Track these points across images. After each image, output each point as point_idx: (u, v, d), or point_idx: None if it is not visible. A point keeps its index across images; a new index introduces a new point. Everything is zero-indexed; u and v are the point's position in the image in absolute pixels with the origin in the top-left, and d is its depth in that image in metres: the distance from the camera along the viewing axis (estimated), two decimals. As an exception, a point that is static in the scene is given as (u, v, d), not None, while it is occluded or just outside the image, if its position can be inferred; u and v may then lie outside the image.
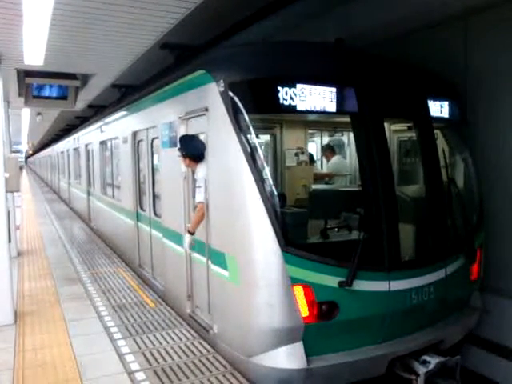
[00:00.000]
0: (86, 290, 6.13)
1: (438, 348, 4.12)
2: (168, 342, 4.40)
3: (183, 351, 4.20)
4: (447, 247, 4.34)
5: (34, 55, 5.66)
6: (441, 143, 4.82)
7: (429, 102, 4.48)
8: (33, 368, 3.90)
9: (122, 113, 7.78)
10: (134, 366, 3.89)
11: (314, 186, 5.44)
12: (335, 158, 6.09)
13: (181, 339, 4.48)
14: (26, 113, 13.18)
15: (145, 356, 4.09)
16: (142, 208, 6.77)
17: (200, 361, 4.00)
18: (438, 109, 4.58)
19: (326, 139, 6.56)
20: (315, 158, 7.06)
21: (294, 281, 3.51)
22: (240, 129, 3.63)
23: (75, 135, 14.40)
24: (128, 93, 9.45)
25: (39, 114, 13.07)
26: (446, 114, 4.65)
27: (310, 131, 6.14)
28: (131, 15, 4.44)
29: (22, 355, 4.15)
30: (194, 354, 4.15)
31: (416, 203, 4.66)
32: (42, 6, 3.89)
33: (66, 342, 4.43)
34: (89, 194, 11.76)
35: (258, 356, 3.65)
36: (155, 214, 6.10)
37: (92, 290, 6.16)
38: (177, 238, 5.05)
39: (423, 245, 4.46)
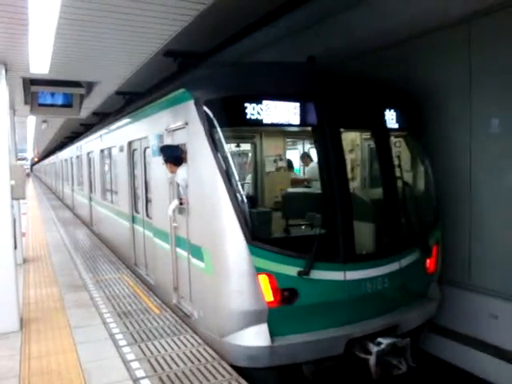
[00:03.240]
0: (91, 297, 6.13)
1: (395, 332, 4.58)
2: (173, 349, 4.39)
3: (188, 358, 4.19)
4: (401, 243, 4.83)
5: (40, 64, 5.71)
6: (398, 149, 5.39)
7: (385, 113, 5.01)
8: (38, 375, 3.91)
9: (119, 123, 8.38)
10: (140, 373, 3.89)
11: (291, 190, 5.86)
12: (312, 164, 6.43)
13: (186, 346, 4.47)
14: (32, 120, 13.27)
15: (150, 363, 4.09)
16: (136, 211, 7.29)
17: (205, 367, 3.99)
18: (395, 119, 5.10)
19: (307, 147, 7.01)
20: (299, 164, 7.53)
21: (259, 270, 4.06)
22: (213, 140, 4.24)
23: (78, 144, 15.04)
24: (126, 104, 10.11)
25: (44, 121, 13.17)
26: (402, 123, 5.16)
27: (288, 140, 6.79)
28: (136, 23, 4.47)
29: (27, 362, 4.16)
30: (200, 360, 4.14)
31: (373, 203, 5.27)
32: (48, 15, 3.92)
33: (71, 348, 4.44)
34: (90, 199, 12.23)
35: (230, 336, 4.19)
36: (148, 216, 6.61)
37: (97, 296, 6.17)
38: (165, 237, 5.58)
39: (378, 240, 4.94)
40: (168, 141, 5.30)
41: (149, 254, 6.56)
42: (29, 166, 58.08)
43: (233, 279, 4.12)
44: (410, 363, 4.37)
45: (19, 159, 14.37)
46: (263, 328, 4.10)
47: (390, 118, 5.08)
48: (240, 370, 4.02)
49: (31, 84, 7.41)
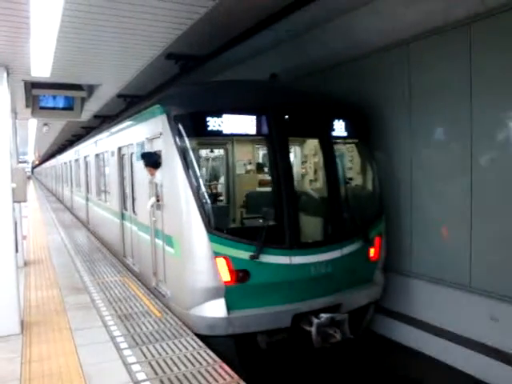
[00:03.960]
0: (92, 300, 6.13)
1: (338, 310, 5.31)
2: (174, 352, 4.39)
3: (189, 361, 4.18)
4: (342, 233, 5.52)
5: (41, 67, 5.73)
6: (345, 154, 6.41)
7: (330, 123, 5.80)
8: (39, 378, 3.90)
9: (111, 131, 9.27)
10: (141, 376, 3.89)
11: (253, 190, 6.76)
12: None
13: (187, 349, 4.47)
14: (33, 123, 13.29)
15: (151, 366, 4.09)
16: (125, 209, 8.10)
17: (206, 370, 3.99)
18: (342, 128, 5.91)
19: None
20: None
21: (217, 254, 4.84)
22: (180, 148, 5.06)
23: (76, 148, 16.07)
24: (117, 115, 11.46)
25: (46, 124, 13.19)
26: (348, 131, 5.97)
27: (257, 146, 7.57)
28: (137, 27, 4.49)
29: (28, 365, 4.16)
30: (201, 363, 4.13)
31: (318, 200, 6.06)
32: (50, 18, 3.94)
33: (72, 351, 4.44)
34: (87, 199, 13.09)
35: (193, 309, 4.99)
36: (134, 212, 7.44)
37: (98, 299, 6.17)
38: (147, 230, 6.41)
39: (321, 231, 5.73)
40: (148, 148, 6.16)
41: (135, 245, 7.39)
42: (30, 169, 58.14)
43: (195, 261, 4.93)
44: (348, 335, 5.15)
45: (20, 162, 14.39)
46: (221, 302, 4.88)
47: (336, 127, 5.88)
48: (203, 339, 4.71)
49: (32, 87, 7.45)
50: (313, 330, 4.96)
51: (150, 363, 4.14)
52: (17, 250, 5.32)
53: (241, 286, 4.91)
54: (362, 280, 5.86)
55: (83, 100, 8.11)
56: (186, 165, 5.02)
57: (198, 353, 4.36)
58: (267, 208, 5.27)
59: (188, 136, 5.10)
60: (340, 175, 5.91)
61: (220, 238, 4.88)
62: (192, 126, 5.18)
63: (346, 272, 5.50)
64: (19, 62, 5.41)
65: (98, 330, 4.99)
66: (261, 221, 5.32)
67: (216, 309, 4.87)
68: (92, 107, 10.00)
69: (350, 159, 6.50)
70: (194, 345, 4.56)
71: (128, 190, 7.76)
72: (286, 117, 5.42)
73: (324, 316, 5.05)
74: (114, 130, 8.95)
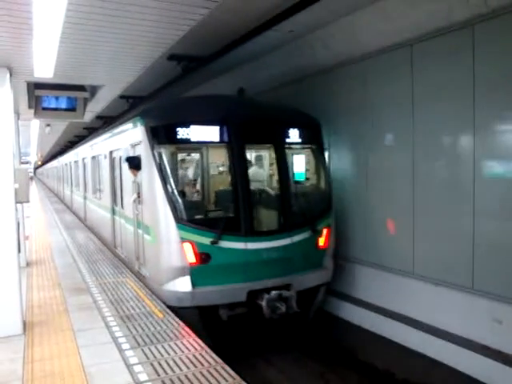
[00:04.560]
0: (94, 300, 6.14)
1: (289, 289, 6.19)
2: (176, 353, 4.39)
3: (191, 362, 4.18)
4: (292, 224, 6.37)
5: (44, 68, 5.74)
6: (298, 158, 7.44)
7: (285, 131, 6.69)
8: (41, 378, 3.91)
9: (104, 136, 10.24)
10: (143, 377, 3.89)
11: (221, 188, 7.40)
12: (254, 168, 7.63)
13: (189, 350, 4.47)
14: (36, 124, 13.32)
15: (153, 366, 4.09)
16: (115, 205, 9.07)
17: (208, 371, 3.98)
18: (296, 135, 6.81)
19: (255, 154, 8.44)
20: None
21: (184, 239, 5.77)
22: (155, 153, 6.06)
23: (75, 150, 17.13)
24: (111, 121, 12.94)
25: (48, 125, 13.22)
26: (303, 138, 6.88)
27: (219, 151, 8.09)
28: (140, 28, 4.50)
29: (30, 366, 4.16)
30: (203, 364, 4.13)
31: (271, 196, 6.95)
32: (53, 20, 3.95)
33: (74, 352, 4.44)
34: (85, 198, 14.09)
35: (165, 285, 5.98)
36: (122, 207, 8.35)
37: (100, 300, 6.17)
38: (131, 222, 7.42)
39: (273, 221, 6.56)
40: (131, 153, 7.13)
41: (123, 236, 8.41)
42: (32, 170, 58.25)
43: (166, 246, 5.91)
44: (294, 309, 6.13)
45: (22, 163, 14.44)
46: (187, 279, 5.82)
47: (290, 135, 6.76)
48: (173, 310, 5.69)
49: (35, 88, 7.46)
50: (263, 303, 5.96)
51: (151, 364, 4.14)
52: (19, 251, 5.32)
53: (203, 267, 5.84)
54: (311, 265, 6.68)
55: (86, 101, 8.11)
56: (160, 167, 6.04)
57: (200, 354, 4.36)
58: (226, 202, 6.46)
59: (161, 143, 6.16)
60: (291, 176, 6.95)
61: (186, 226, 5.84)
62: (164, 135, 6.22)
63: (295, 257, 6.35)
64: (22, 62, 5.42)
65: (100, 331, 5.00)
66: (220, 213, 6.62)
67: (183, 284, 5.83)
68: (94, 108, 10.02)
69: (305, 162, 7.55)
70: (196, 346, 4.56)
71: (117, 188, 8.71)
72: (243, 127, 6.33)
73: (273, 292, 6.00)
74: (106, 135, 9.91)
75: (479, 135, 5.11)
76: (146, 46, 5.15)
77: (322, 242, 6.73)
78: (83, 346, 4.57)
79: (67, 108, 7.95)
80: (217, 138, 6.21)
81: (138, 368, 4.05)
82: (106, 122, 13.84)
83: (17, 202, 5.12)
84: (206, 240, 5.81)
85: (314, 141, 7.14)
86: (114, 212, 9.19)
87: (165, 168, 6.06)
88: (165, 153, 6.19)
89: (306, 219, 6.64)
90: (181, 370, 4.02)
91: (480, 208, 5.14)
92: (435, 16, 5.29)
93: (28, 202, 5.76)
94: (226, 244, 5.88)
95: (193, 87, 10.32)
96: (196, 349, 4.49)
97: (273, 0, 5.43)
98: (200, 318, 5.91)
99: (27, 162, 39.91)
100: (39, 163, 54.09)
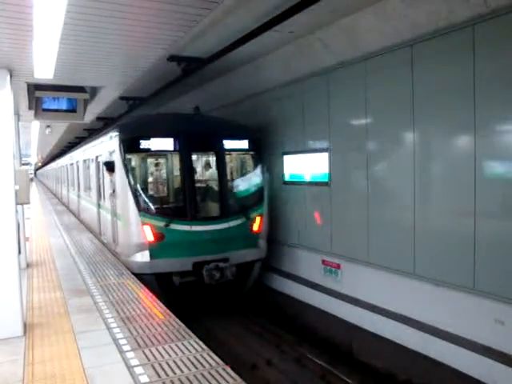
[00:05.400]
0: (94, 302, 6.12)
1: (226, 262, 7.96)
2: (177, 354, 4.38)
3: (192, 363, 4.17)
4: (229, 213, 8.23)
5: (44, 69, 5.74)
6: (237, 161, 9.41)
7: (227, 141, 8.54)
8: (42, 380, 3.89)
9: (92, 144, 12.23)
10: (144, 379, 3.87)
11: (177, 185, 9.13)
12: (211, 170, 9.38)
13: (190, 351, 4.45)
14: (36, 125, 13.32)
15: (154, 368, 4.07)
16: (100, 199, 10.90)
17: (209, 373, 3.97)
18: (235, 144, 8.69)
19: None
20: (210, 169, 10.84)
21: (144, 223, 7.64)
22: (125, 159, 7.96)
23: (71, 154, 19.37)
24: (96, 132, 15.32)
25: (48, 126, 13.22)
26: (241, 146, 8.78)
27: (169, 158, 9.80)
28: (140, 29, 4.50)
29: (31, 367, 4.15)
30: (204, 366, 4.12)
31: (213, 190, 8.73)
32: (53, 20, 3.95)
33: (74, 354, 4.43)
34: (78, 196, 15.95)
35: (131, 257, 7.87)
36: (104, 201, 10.24)
37: (101, 301, 6.16)
38: (110, 212, 9.44)
39: (213, 210, 8.50)
40: (109, 158, 8.88)
41: (105, 225, 10.28)
42: (33, 171, 58.26)
43: (131, 228, 7.86)
44: (229, 278, 7.95)
45: (23, 164, 14.47)
46: (146, 253, 7.69)
47: (231, 144, 8.61)
48: (137, 276, 7.44)
49: (35, 89, 7.45)
50: (204, 272, 7.77)
51: (152, 366, 4.13)
52: (19, 252, 5.31)
53: (159, 244, 7.69)
54: (246, 244, 8.41)
55: (86, 102, 8.11)
56: (128, 170, 7.94)
57: (201, 355, 4.35)
58: (177, 196, 8.71)
59: (129, 152, 8.09)
60: (228, 176, 8.79)
61: (146, 214, 7.75)
62: (132, 145, 8.02)
63: (231, 238, 8.12)
64: (22, 64, 5.42)
65: (100, 333, 4.98)
66: (172, 204, 8.72)
67: (143, 257, 7.72)
68: (95, 109, 10.03)
69: (244, 165, 9.44)
70: (197, 347, 4.54)
71: (101, 186, 10.56)
72: (190, 139, 8.14)
73: (212, 264, 7.80)
74: (94, 143, 11.69)
75: (479, 135, 5.10)
76: (146, 46, 5.15)
77: (255, 227, 8.50)
78: (84, 348, 4.56)
79: (67, 109, 7.95)
80: (171, 148, 8.09)
81: (138, 370, 4.04)
82: (107, 123, 13.87)
83: (17, 204, 5.11)
84: (161, 224, 7.68)
85: (251, 148, 8.89)
86: (99, 206, 11.03)
87: (131, 170, 8.08)
88: (132, 159, 8.25)
89: (241, 209, 8.41)
90: (182, 371, 4.01)
91: (481, 208, 5.13)
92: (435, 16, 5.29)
93: (28, 203, 5.75)
94: (175, 227, 7.74)
95: (193, 88, 10.33)
96: (197, 350, 4.47)
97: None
98: (157, 283, 7.68)
99: (28, 164, 39.90)
100: (40, 164, 54.11)
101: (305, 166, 8.29)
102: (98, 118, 13.00)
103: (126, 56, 5.56)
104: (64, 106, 7.92)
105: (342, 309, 7.37)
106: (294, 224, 8.72)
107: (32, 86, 7.28)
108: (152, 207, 7.92)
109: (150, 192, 8.70)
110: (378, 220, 6.63)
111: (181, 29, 4.54)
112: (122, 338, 4.79)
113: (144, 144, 7.89)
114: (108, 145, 9.02)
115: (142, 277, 7.45)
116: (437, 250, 5.69)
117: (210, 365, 4.13)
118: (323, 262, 7.91)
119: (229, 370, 4.03)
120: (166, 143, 8.03)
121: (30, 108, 8.13)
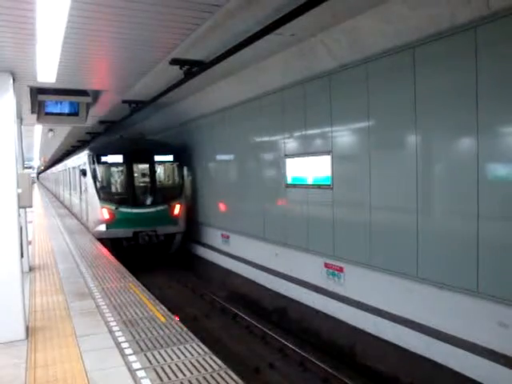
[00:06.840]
0: (97, 305, 6.13)
1: (155, 233, 12.47)
2: (179, 358, 4.37)
3: (195, 367, 4.16)
4: (156, 202, 12.82)
5: (47, 73, 5.76)
6: (165, 170, 14.06)
7: (156, 155, 13.25)
8: (44, 384, 3.89)
9: (76, 156, 17.39)
10: (146, 382, 3.86)
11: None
12: (146, 174, 13.54)
13: (192, 355, 4.44)
14: (39, 129, 13.37)
15: (156, 372, 4.07)
16: (81, 194, 15.29)
17: (212, 376, 3.96)
18: (163, 158, 13.46)
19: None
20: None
21: (103, 207, 12.37)
22: (92, 169, 12.86)
23: (65, 162, 24.45)
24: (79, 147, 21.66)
25: (51, 130, 13.29)
26: (168, 159, 13.54)
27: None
28: (142, 32, 4.51)
29: (33, 371, 4.15)
30: (206, 369, 4.10)
31: (147, 187, 13.17)
32: (55, 25, 3.97)
33: (77, 357, 4.42)
34: (70, 194, 20.80)
35: (95, 228, 12.70)
36: (82, 195, 14.84)
37: (103, 304, 6.16)
38: (84, 201, 14.30)
39: (146, 200, 12.85)
40: (83, 167, 13.59)
41: (84, 213, 14.77)
42: (35, 175, 58.45)
43: (95, 210, 12.65)
44: (154, 241, 12.37)
45: (26, 168, 14.55)
46: (103, 226, 12.27)
47: (160, 157, 13.37)
48: (99, 240, 12.03)
49: (38, 93, 7.48)
50: (139, 237, 12.21)
51: (154, 369, 4.12)
52: (22, 256, 5.31)
53: (111, 220, 12.21)
54: (169, 222, 12.84)
55: (88, 105, 8.14)
56: (93, 175, 12.71)
57: (204, 359, 4.33)
58: (124, 190, 13.05)
59: (94, 164, 12.72)
60: (157, 178, 13.39)
61: (104, 201, 12.36)
62: (95, 159, 12.71)
63: (158, 218, 12.56)
64: (25, 67, 5.44)
65: (102, 336, 4.98)
66: (121, 195, 12.91)
67: (102, 227, 12.31)
68: (97, 113, 10.06)
69: (171, 172, 13.92)
70: (200, 351, 4.53)
71: (82, 186, 14.68)
72: (132, 154, 12.88)
73: (144, 232, 12.25)
74: (78, 155, 16.26)
75: (482, 138, 5.09)
76: (148, 50, 5.16)
77: (176, 211, 13.02)
78: (86, 351, 4.55)
79: (70, 113, 7.98)
80: (120, 161, 12.82)
81: (141, 373, 4.03)
82: (109, 126, 13.98)
83: (20, 207, 5.12)
84: (113, 207, 12.26)
85: (175, 160, 13.52)
86: (81, 200, 15.54)
87: (95, 175, 12.72)
88: (96, 168, 12.72)
89: (164, 199, 12.91)
90: (184, 375, 4.00)
91: (484, 211, 5.11)
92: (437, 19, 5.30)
93: (31, 206, 5.76)
94: (122, 209, 12.33)
95: (195, 91, 10.35)
96: (199, 353, 4.46)
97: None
98: (112, 245, 11.86)
99: (30, 167, 39.99)
100: (42, 168, 54.25)
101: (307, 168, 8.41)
102: (101, 122, 13.05)
103: (127, 60, 5.58)
104: (66, 110, 7.94)
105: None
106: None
107: (35, 89, 7.31)
108: (108, 197, 12.55)
109: (107, 188, 13.13)
110: (379, 222, 6.62)
111: (183, 32, 4.55)
112: (124, 342, 4.79)
113: (104, 159, 12.65)
114: (83, 158, 14.08)
115: (102, 240, 11.88)
116: (440, 253, 5.67)
117: (213, 368, 4.12)
118: (326, 265, 7.88)
119: (231, 373, 4.02)
120: (118, 158, 12.76)
121: (32, 111, 8.15)
